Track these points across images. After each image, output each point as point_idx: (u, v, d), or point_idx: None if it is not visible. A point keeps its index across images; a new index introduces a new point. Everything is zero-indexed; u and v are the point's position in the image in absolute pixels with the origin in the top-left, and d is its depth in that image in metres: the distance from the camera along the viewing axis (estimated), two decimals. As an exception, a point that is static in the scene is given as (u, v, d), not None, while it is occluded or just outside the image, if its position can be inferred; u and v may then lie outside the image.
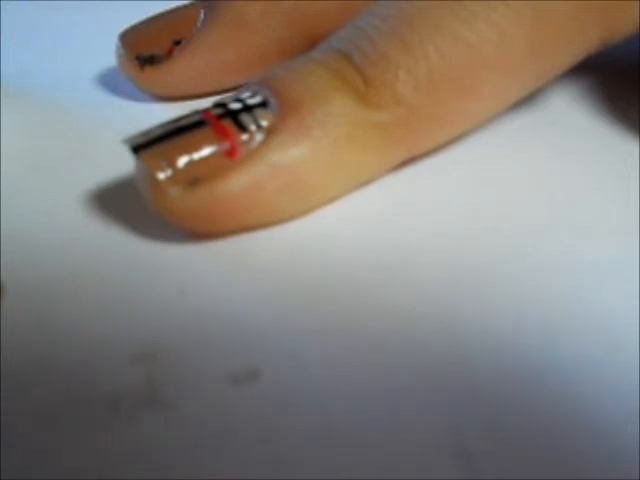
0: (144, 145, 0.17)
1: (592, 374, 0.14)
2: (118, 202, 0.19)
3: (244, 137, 0.17)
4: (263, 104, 0.17)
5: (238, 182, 0.16)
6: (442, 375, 0.14)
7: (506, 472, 0.13)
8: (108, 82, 0.24)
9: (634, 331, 0.15)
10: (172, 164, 0.16)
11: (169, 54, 0.22)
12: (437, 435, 0.13)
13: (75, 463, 0.13)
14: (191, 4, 0.23)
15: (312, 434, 0.13)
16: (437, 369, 0.15)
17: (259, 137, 0.17)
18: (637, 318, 0.15)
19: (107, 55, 0.23)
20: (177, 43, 0.22)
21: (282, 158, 0.17)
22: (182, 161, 0.16)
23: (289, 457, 0.13)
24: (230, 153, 0.17)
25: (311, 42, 0.20)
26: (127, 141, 0.17)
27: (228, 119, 0.17)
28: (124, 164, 0.18)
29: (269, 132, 0.17)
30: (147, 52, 0.22)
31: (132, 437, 0.13)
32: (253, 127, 0.17)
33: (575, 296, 0.16)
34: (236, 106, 0.17)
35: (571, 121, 0.21)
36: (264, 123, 0.17)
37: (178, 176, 0.16)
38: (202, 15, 0.22)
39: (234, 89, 0.19)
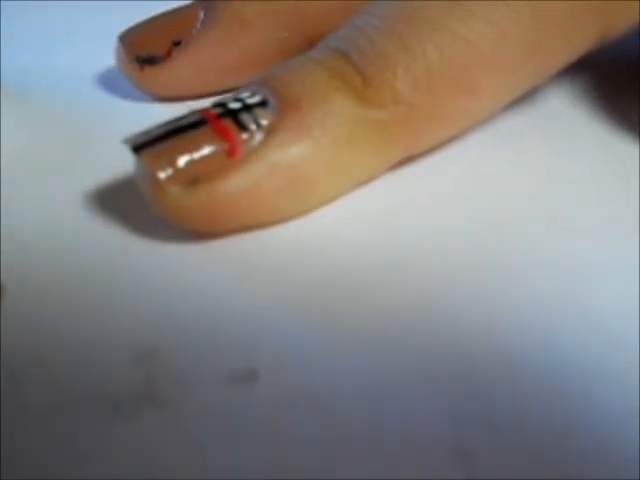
0: (144, 145, 0.17)
1: (592, 374, 0.14)
2: (118, 202, 0.19)
3: (244, 136, 0.17)
4: (262, 103, 0.17)
5: (238, 181, 0.16)
6: (442, 375, 0.14)
7: (506, 472, 0.13)
8: (108, 82, 0.24)
9: (634, 331, 0.15)
10: (172, 163, 0.16)
11: (168, 55, 0.22)
12: (437, 435, 0.13)
13: (75, 463, 0.13)
14: (191, 4, 0.23)
15: (311, 434, 0.13)
16: (437, 369, 0.15)
17: (259, 136, 0.17)
18: (637, 318, 0.15)
19: (107, 55, 0.23)
20: (177, 44, 0.22)
21: (282, 157, 0.17)
22: (182, 160, 0.16)
23: (289, 457, 0.13)
24: (230, 152, 0.17)
25: (310, 42, 0.20)
26: (127, 141, 0.17)
27: (228, 118, 0.17)
28: (124, 164, 0.18)
29: (269, 131, 0.17)
30: (146, 53, 0.22)
31: (132, 437, 0.13)
32: (253, 126, 0.17)
33: (575, 296, 0.16)
34: (236, 105, 0.17)
35: (570, 120, 0.21)
36: (264, 122, 0.17)
37: (178, 175, 0.16)
38: (201, 15, 0.22)
39: (234, 89, 0.19)
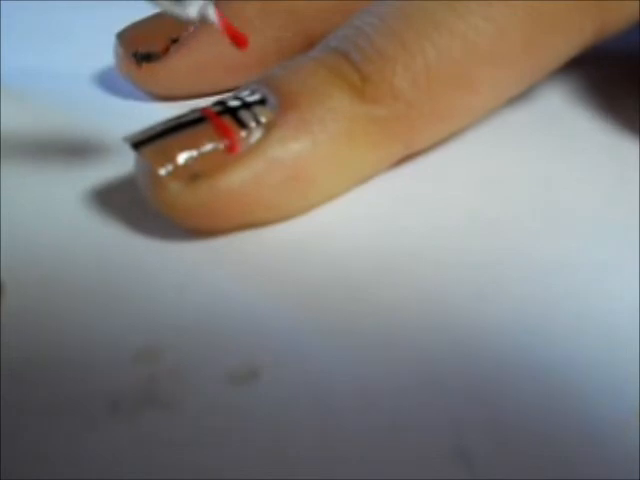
0: (145, 141, 0.17)
1: (592, 373, 0.14)
2: (118, 201, 0.19)
3: (243, 133, 0.17)
4: (262, 101, 0.17)
5: (238, 177, 0.17)
6: (442, 374, 0.14)
7: (506, 472, 0.13)
8: (108, 82, 0.24)
9: (634, 331, 0.15)
10: (173, 160, 0.16)
11: (166, 51, 0.22)
12: (437, 435, 0.13)
13: (75, 463, 0.13)
14: (190, 3, 0.23)
15: (312, 433, 0.13)
16: (437, 368, 0.15)
17: (258, 133, 0.17)
18: (637, 318, 0.15)
19: (107, 55, 0.23)
20: (174, 41, 0.22)
21: (281, 153, 0.17)
22: (182, 157, 0.16)
23: (289, 456, 0.13)
24: (230, 149, 0.17)
25: (309, 42, 0.20)
26: (128, 138, 0.17)
27: (227, 116, 0.17)
28: (124, 163, 0.18)
29: (268, 128, 0.17)
30: (144, 49, 0.22)
31: (132, 437, 0.13)
32: (252, 123, 0.17)
33: (575, 296, 0.16)
34: (235, 103, 0.17)
35: (570, 119, 0.21)
36: (263, 120, 0.17)
37: (179, 172, 0.16)
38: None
39: (232, 89, 0.19)
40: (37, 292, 0.16)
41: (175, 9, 0.17)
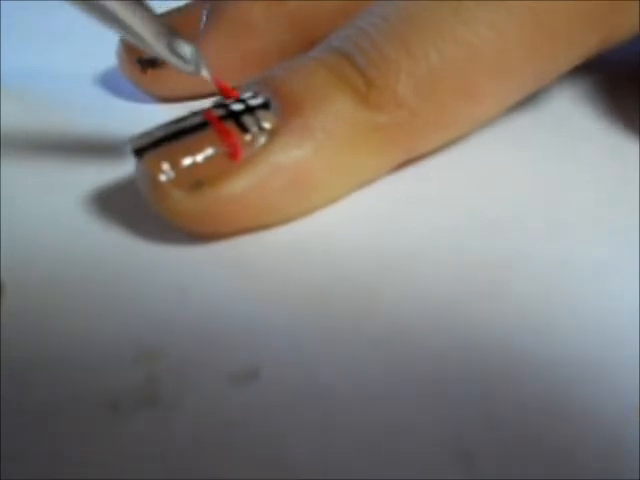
0: (146, 148, 0.17)
1: (592, 373, 0.14)
2: (118, 202, 0.19)
3: (246, 138, 0.17)
4: (265, 105, 0.17)
5: (241, 184, 0.16)
6: (442, 375, 0.14)
7: (506, 472, 0.13)
8: (108, 82, 0.24)
9: (634, 331, 0.15)
10: (175, 167, 0.16)
11: None
12: (437, 435, 0.13)
13: (75, 463, 0.13)
14: (192, 5, 0.23)
15: (312, 434, 0.13)
16: (437, 369, 0.15)
17: (262, 139, 0.17)
18: (637, 318, 0.15)
19: (107, 55, 0.23)
20: None
21: (284, 159, 0.17)
22: (185, 163, 0.16)
23: (290, 457, 0.13)
24: (232, 155, 0.17)
25: (313, 45, 0.20)
26: (129, 143, 0.17)
27: (230, 121, 0.17)
28: (124, 164, 0.18)
29: (272, 134, 0.17)
30: (149, 55, 0.22)
31: (132, 437, 0.13)
32: (255, 128, 0.17)
33: (575, 295, 0.16)
34: (238, 107, 0.17)
35: (572, 121, 0.21)
36: (266, 125, 0.17)
37: (181, 179, 0.16)
38: (204, 18, 0.22)
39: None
40: (37, 292, 0.16)
41: (174, 60, 0.18)
